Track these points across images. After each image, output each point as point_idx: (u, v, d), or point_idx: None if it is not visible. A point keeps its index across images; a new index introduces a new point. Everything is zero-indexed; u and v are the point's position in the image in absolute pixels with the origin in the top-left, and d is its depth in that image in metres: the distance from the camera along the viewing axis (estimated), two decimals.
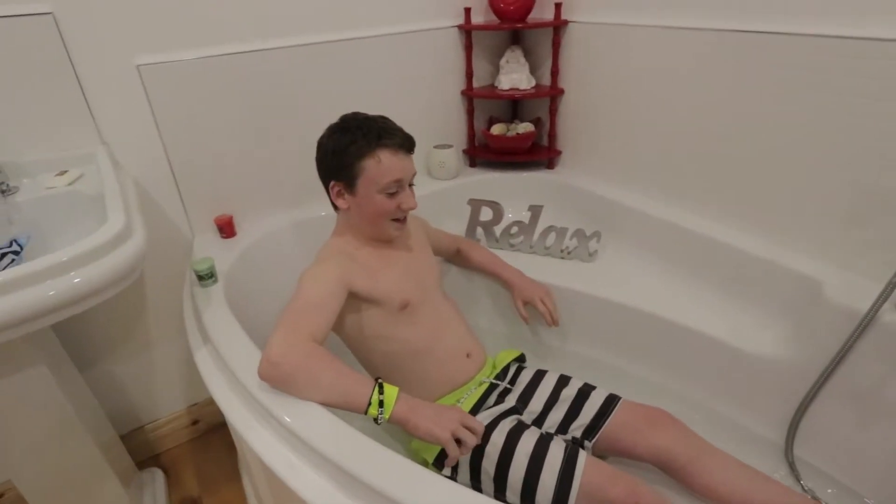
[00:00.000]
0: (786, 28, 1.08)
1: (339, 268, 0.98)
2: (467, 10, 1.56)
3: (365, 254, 1.07)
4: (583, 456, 0.94)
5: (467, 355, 1.13)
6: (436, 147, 1.67)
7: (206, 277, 1.12)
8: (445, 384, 1.10)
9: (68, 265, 0.74)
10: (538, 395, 1.13)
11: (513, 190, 1.69)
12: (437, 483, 0.69)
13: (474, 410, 1.08)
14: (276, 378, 0.80)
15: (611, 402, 1.09)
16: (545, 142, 1.76)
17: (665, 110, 1.37)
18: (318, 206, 1.40)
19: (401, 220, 1.07)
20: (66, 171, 1.10)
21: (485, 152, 1.75)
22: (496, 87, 1.67)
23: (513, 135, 1.70)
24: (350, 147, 0.99)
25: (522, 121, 1.76)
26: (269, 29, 1.31)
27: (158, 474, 1.42)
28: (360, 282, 1.00)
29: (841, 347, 1.02)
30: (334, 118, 1.05)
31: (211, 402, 1.55)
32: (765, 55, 1.13)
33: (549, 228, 1.48)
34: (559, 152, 1.73)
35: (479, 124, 1.77)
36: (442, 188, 1.65)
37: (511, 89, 1.64)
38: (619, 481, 0.91)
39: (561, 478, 0.91)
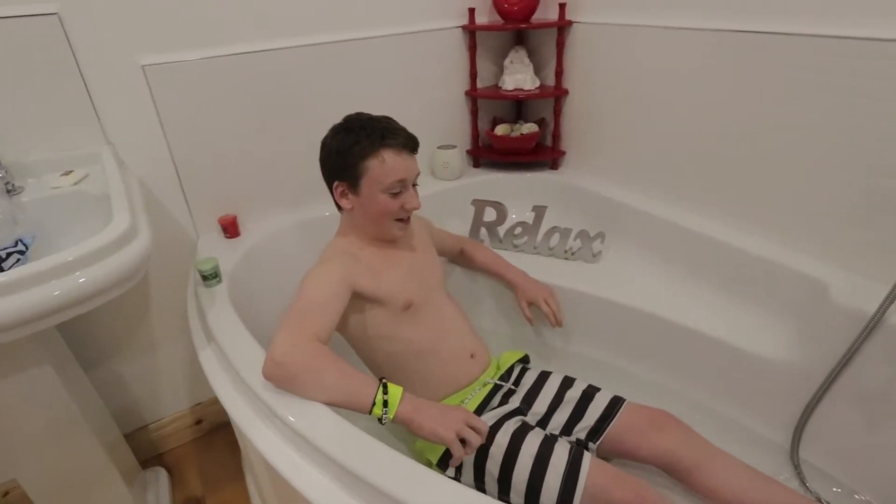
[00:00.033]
0: (788, 28, 1.08)
1: (343, 268, 0.98)
2: (471, 11, 1.56)
3: (369, 254, 1.07)
4: (587, 457, 0.94)
5: (471, 356, 1.12)
6: (439, 147, 1.67)
7: (211, 277, 1.12)
8: (449, 385, 1.10)
9: (73, 265, 0.74)
10: (542, 396, 1.12)
11: (517, 190, 1.69)
12: (440, 483, 0.69)
13: (479, 411, 1.07)
14: (281, 378, 0.80)
15: (615, 404, 1.09)
16: (549, 142, 1.75)
17: (669, 111, 1.36)
18: (321, 206, 1.40)
19: (404, 220, 1.07)
20: (71, 171, 1.10)
21: (489, 153, 1.75)
22: (500, 88, 1.67)
23: (517, 135, 1.70)
24: (354, 147, 0.99)
25: (526, 121, 1.76)
26: (274, 29, 1.31)
27: (162, 473, 1.42)
28: (363, 282, 1.00)
29: (848, 349, 1.02)
30: (338, 118, 1.05)
31: (214, 402, 1.56)
32: (768, 55, 1.12)
33: (553, 229, 1.47)
34: (563, 153, 1.73)
35: (483, 125, 1.77)
36: (446, 188, 1.65)
37: (515, 90, 1.63)
38: (624, 483, 0.91)
39: (565, 479, 0.91)
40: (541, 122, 1.73)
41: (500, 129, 1.71)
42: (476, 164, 1.79)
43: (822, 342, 1.07)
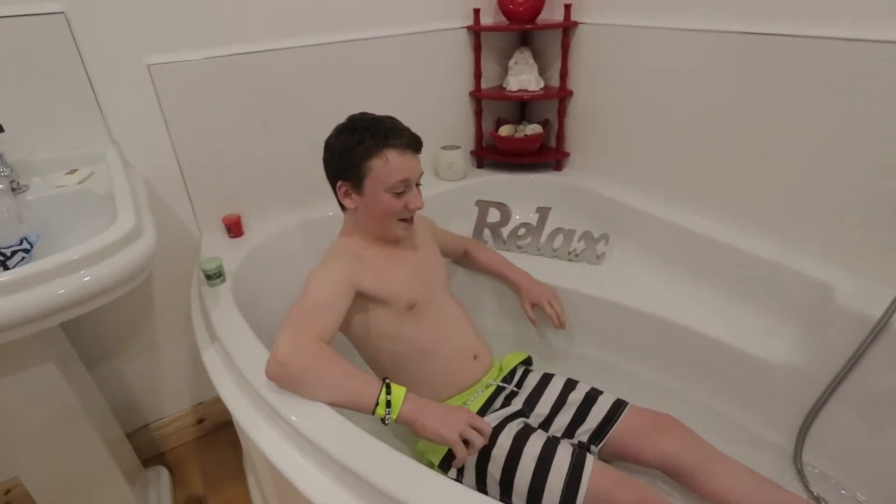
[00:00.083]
0: (791, 30, 1.08)
1: (347, 268, 0.98)
2: (476, 11, 1.56)
3: (372, 254, 1.06)
4: (590, 460, 0.94)
5: (474, 357, 1.12)
6: (443, 148, 1.67)
7: (215, 277, 1.12)
8: (452, 386, 1.09)
9: (78, 264, 0.74)
10: (545, 398, 1.12)
11: (520, 191, 1.68)
12: (442, 484, 0.68)
13: (481, 413, 1.07)
14: (284, 378, 0.80)
15: (618, 407, 1.08)
16: (553, 143, 1.75)
17: (674, 112, 1.36)
18: (325, 206, 1.40)
19: (408, 220, 1.07)
20: (76, 170, 1.10)
21: (492, 153, 1.75)
22: (505, 89, 1.67)
23: (521, 136, 1.69)
24: (357, 147, 0.99)
25: (530, 122, 1.76)
26: (279, 29, 1.31)
27: (163, 472, 1.42)
28: (367, 282, 1.00)
29: (853, 353, 1.01)
30: (342, 119, 1.05)
31: (216, 401, 1.56)
32: (771, 57, 1.12)
33: (557, 230, 1.47)
34: (567, 154, 1.73)
35: (487, 125, 1.77)
36: (449, 189, 1.65)
37: (520, 91, 1.63)
38: (627, 486, 0.90)
39: (568, 482, 0.91)
40: (545, 124, 1.73)
41: (504, 130, 1.71)
42: (480, 165, 1.79)
43: (827, 345, 1.07)
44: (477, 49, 1.62)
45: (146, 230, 0.85)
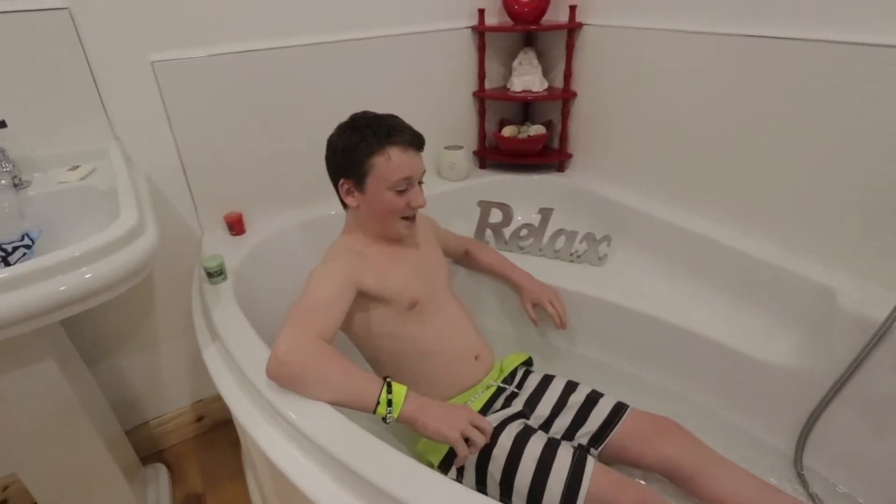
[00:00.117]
0: (796, 34, 1.08)
1: (348, 266, 0.98)
2: (481, 12, 1.56)
3: (374, 252, 1.06)
4: (591, 462, 0.93)
5: (475, 357, 1.12)
6: (446, 148, 1.67)
7: (216, 275, 1.12)
8: (453, 386, 1.09)
9: (80, 260, 0.73)
10: (545, 400, 1.12)
11: (523, 192, 1.68)
12: (442, 484, 0.68)
13: (481, 413, 1.07)
14: (285, 377, 0.80)
15: (619, 410, 1.08)
16: (556, 144, 1.75)
17: (677, 115, 1.36)
18: (327, 204, 1.40)
19: (410, 219, 1.07)
20: (78, 166, 1.10)
21: (495, 154, 1.74)
22: (508, 89, 1.66)
23: (524, 137, 1.69)
24: (360, 144, 0.99)
25: (534, 123, 1.76)
26: (282, 27, 1.31)
27: (162, 470, 1.42)
28: (368, 280, 0.99)
29: (855, 356, 1.01)
30: (345, 117, 1.05)
31: (216, 399, 1.56)
32: (776, 60, 1.12)
33: (559, 231, 1.47)
34: (570, 155, 1.72)
35: (491, 126, 1.77)
36: (452, 189, 1.64)
37: (523, 91, 1.63)
38: (628, 489, 0.90)
39: (569, 484, 0.90)
40: (548, 125, 1.73)
41: (508, 131, 1.71)
42: (482, 166, 1.78)
43: (829, 349, 1.06)
44: (481, 49, 1.61)
45: (148, 227, 0.85)
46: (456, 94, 1.66)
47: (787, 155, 1.16)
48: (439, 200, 1.51)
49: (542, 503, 0.92)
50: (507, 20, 1.60)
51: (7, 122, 1.01)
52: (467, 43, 1.61)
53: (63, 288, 0.72)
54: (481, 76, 1.65)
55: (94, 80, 1.12)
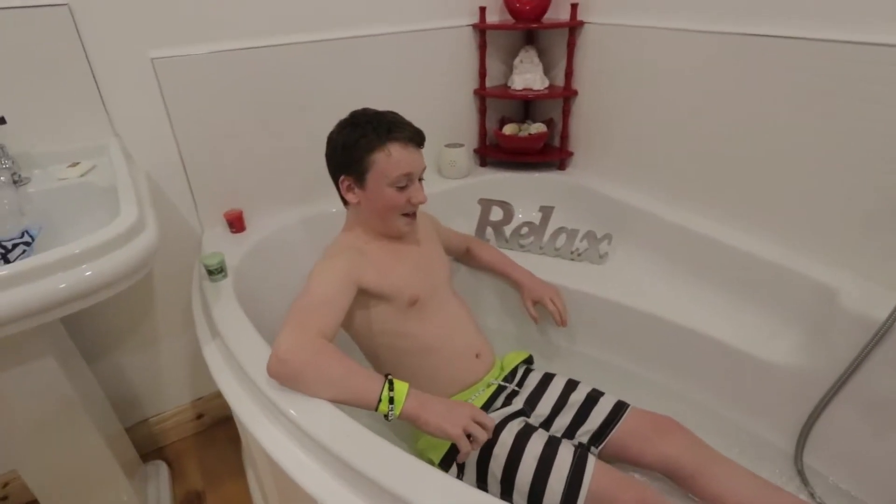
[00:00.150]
0: (799, 33, 1.07)
1: (349, 263, 0.98)
2: (482, 10, 1.55)
3: (375, 248, 1.06)
4: (592, 461, 0.93)
5: (476, 355, 1.12)
6: (447, 146, 1.66)
7: (216, 272, 1.12)
8: (454, 384, 1.09)
9: (80, 258, 0.73)
10: (546, 398, 1.12)
11: (524, 190, 1.68)
12: (443, 481, 0.68)
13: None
14: (286, 375, 0.80)
15: (619, 409, 1.08)
16: (557, 143, 1.75)
17: (678, 113, 1.35)
18: (328, 202, 1.40)
19: (411, 216, 1.06)
20: (78, 163, 1.10)
21: (496, 152, 1.74)
22: (509, 87, 1.66)
23: (525, 135, 1.69)
24: (360, 141, 0.99)
25: (535, 121, 1.75)
26: (283, 25, 1.31)
27: (162, 467, 1.42)
28: (369, 277, 0.99)
29: (856, 356, 1.01)
30: (346, 115, 1.05)
31: (216, 397, 1.56)
32: (778, 59, 1.12)
33: (560, 230, 1.47)
34: (571, 153, 1.72)
35: (491, 124, 1.76)
36: (452, 187, 1.64)
37: (524, 89, 1.63)
38: (629, 487, 0.90)
39: (569, 482, 0.90)
40: (549, 123, 1.72)
41: (508, 129, 1.70)
42: (483, 164, 1.78)
43: (830, 348, 1.06)
44: (482, 47, 1.61)
45: (148, 225, 0.85)
46: (457, 91, 1.66)
47: (788, 154, 1.16)
48: (440, 198, 1.51)
49: (543, 501, 0.92)
50: (508, 18, 1.59)
51: (6, 118, 1.00)
52: (468, 41, 1.60)
53: (63, 285, 0.72)
54: (482, 74, 1.65)
55: (94, 77, 1.12)
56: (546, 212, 1.47)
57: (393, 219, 1.05)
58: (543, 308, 1.28)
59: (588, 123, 1.64)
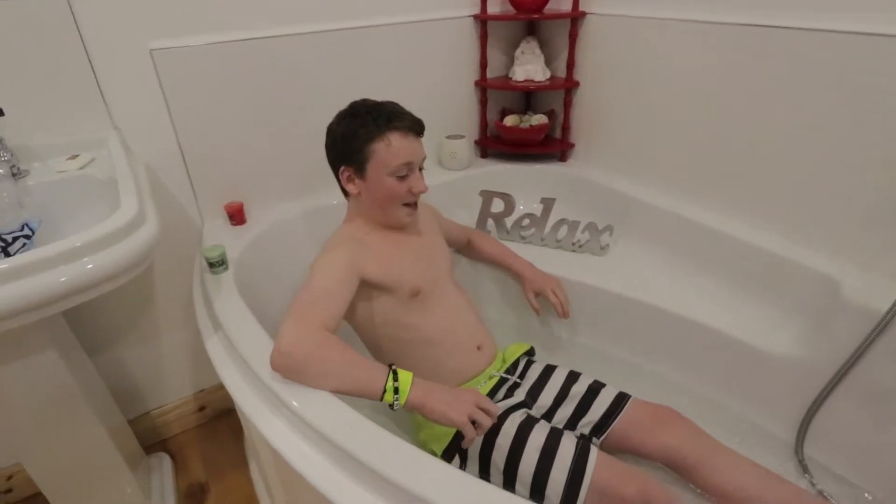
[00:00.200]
0: (802, 24, 1.06)
1: (350, 254, 0.98)
2: (483, 0, 1.54)
3: (376, 239, 1.06)
4: (594, 452, 0.94)
5: (478, 347, 1.12)
6: (448, 137, 1.65)
7: (218, 265, 1.11)
8: (456, 376, 1.09)
9: (81, 251, 0.73)
10: (547, 390, 1.12)
11: (525, 182, 1.67)
12: (446, 471, 0.68)
13: None
14: (289, 368, 0.80)
15: (620, 400, 1.08)
16: (558, 134, 1.74)
17: (681, 104, 1.34)
18: (328, 194, 1.39)
19: (412, 206, 1.06)
20: (77, 155, 1.10)
21: (497, 143, 1.73)
22: (510, 79, 1.65)
23: (526, 126, 1.68)
24: (360, 130, 0.99)
25: (536, 112, 1.74)
26: (283, 16, 1.30)
27: (166, 459, 1.43)
28: (370, 268, 0.99)
29: (858, 347, 1.01)
30: (346, 106, 1.04)
31: (218, 389, 1.56)
32: (781, 50, 1.11)
33: (561, 221, 1.46)
34: (572, 145, 1.71)
35: (492, 115, 1.76)
36: (453, 179, 1.63)
37: (525, 81, 1.62)
38: (631, 478, 0.90)
39: (572, 474, 0.91)
40: (550, 114, 1.71)
41: (510, 120, 1.69)
42: (484, 155, 1.77)
43: (831, 339, 1.06)
44: (483, 38, 1.60)
45: (149, 217, 0.84)
46: (457, 83, 1.65)
47: (791, 145, 1.15)
48: (441, 190, 1.50)
49: (545, 492, 0.92)
50: (510, 9, 1.58)
51: (5, 110, 0.99)
52: (469, 31, 1.59)
53: (64, 279, 0.71)
54: (483, 65, 1.64)
55: (93, 69, 1.11)
56: (547, 203, 1.47)
57: (394, 209, 1.05)
58: (545, 300, 1.28)
59: (589, 115, 1.63)
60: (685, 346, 1.24)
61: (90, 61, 1.10)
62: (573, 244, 1.46)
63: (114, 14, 1.10)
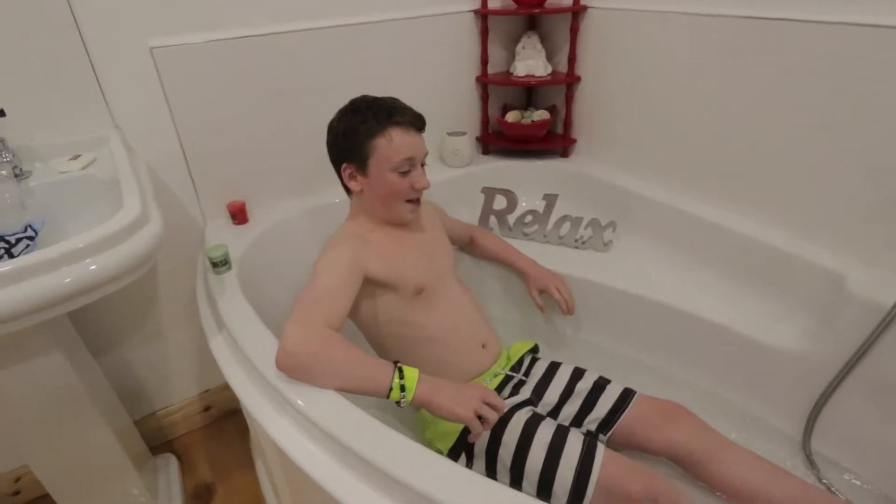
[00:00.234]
0: (808, 16, 1.05)
1: (353, 252, 0.97)
2: None
3: (379, 237, 1.05)
4: (601, 449, 0.93)
5: (483, 345, 1.12)
6: (449, 134, 1.65)
7: (221, 264, 1.11)
8: (460, 374, 1.09)
9: (84, 252, 0.73)
10: (553, 387, 1.12)
11: (527, 178, 1.67)
12: (453, 470, 0.68)
13: None
14: (294, 368, 0.79)
15: (626, 396, 1.08)
16: (560, 130, 1.73)
17: (683, 99, 1.34)
18: (331, 192, 1.39)
19: (414, 202, 1.06)
20: (79, 156, 1.09)
21: (499, 140, 1.73)
22: (511, 74, 1.64)
23: (528, 122, 1.67)
24: (361, 127, 0.98)
25: (537, 108, 1.73)
26: (283, 12, 1.29)
27: (172, 460, 1.43)
28: (374, 265, 0.99)
29: (864, 341, 1.00)
30: (347, 103, 1.04)
31: (223, 389, 1.56)
32: (785, 43, 1.10)
33: (564, 218, 1.46)
34: (574, 140, 1.71)
35: (494, 111, 1.75)
36: (455, 176, 1.63)
37: (527, 76, 1.61)
38: (638, 475, 0.90)
39: (579, 471, 0.90)
40: (552, 110, 1.70)
41: (511, 116, 1.69)
42: (486, 151, 1.77)
43: (838, 333, 1.06)
44: (484, 33, 1.59)
45: (152, 217, 0.84)
46: (458, 79, 1.64)
47: (795, 139, 1.14)
48: (442, 187, 1.50)
49: (552, 489, 0.92)
50: (510, 3, 1.57)
51: (6, 110, 0.99)
52: (470, 27, 1.58)
53: (68, 280, 0.71)
54: (484, 61, 1.63)
55: (93, 68, 1.10)
56: (550, 200, 1.46)
57: (397, 205, 1.04)
58: (549, 297, 1.28)
59: (591, 110, 1.62)
60: (690, 341, 1.24)
61: (90, 60, 1.10)
62: (576, 241, 1.46)
63: (114, 12, 1.10)
